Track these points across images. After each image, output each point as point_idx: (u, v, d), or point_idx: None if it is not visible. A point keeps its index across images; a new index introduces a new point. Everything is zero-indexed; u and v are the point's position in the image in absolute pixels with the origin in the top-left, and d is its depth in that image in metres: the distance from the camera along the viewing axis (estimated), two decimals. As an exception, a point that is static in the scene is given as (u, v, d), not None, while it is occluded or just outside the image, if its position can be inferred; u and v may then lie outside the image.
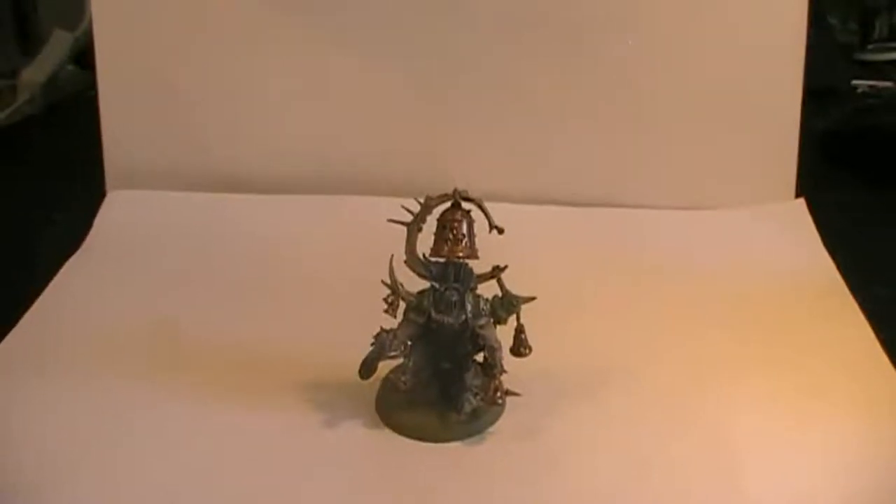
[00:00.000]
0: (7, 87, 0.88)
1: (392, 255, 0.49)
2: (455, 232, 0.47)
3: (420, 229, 0.49)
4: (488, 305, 0.49)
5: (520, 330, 0.50)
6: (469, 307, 0.49)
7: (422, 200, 0.49)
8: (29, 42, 0.93)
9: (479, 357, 0.50)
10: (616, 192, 0.72)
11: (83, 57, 0.87)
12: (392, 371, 0.51)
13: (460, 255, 0.48)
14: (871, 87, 0.89)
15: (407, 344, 0.49)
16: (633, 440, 0.49)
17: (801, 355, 0.55)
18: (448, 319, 0.49)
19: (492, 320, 0.49)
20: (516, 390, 0.50)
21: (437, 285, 0.49)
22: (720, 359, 0.55)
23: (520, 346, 0.50)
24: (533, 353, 0.50)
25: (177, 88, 0.73)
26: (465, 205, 0.48)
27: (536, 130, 0.72)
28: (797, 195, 0.72)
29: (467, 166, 0.70)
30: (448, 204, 0.48)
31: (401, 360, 0.50)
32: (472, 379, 0.50)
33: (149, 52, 0.73)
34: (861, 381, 0.53)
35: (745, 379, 0.54)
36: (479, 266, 0.49)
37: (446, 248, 0.48)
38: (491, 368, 0.49)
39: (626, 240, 0.68)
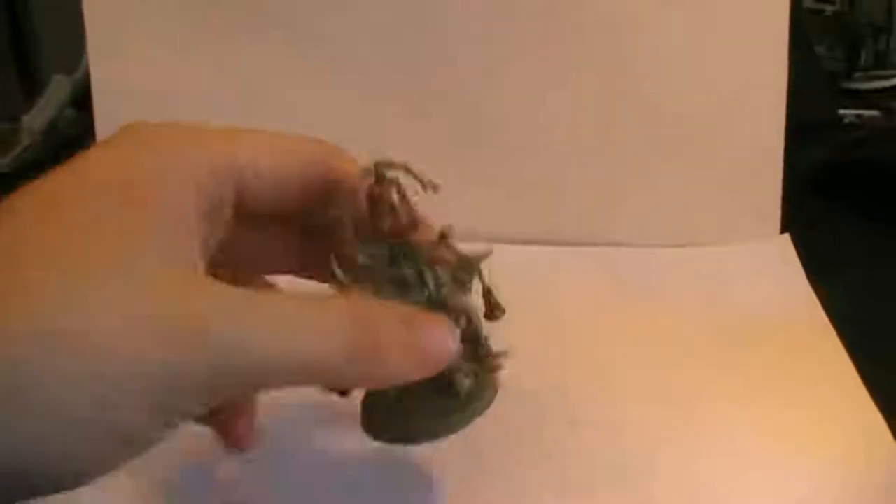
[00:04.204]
0: (10, 131, 0.90)
1: (333, 255, 0.43)
2: (387, 204, 0.44)
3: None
4: (448, 274, 0.45)
5: (488, 291, 0.46)
6: (430, 281, 0.44)
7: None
8: (30, 86, 0.95)
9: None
10: (597, 230, 0.73)
11: (81, 100, 0.89)
12: None
13: (403, 223, 0.44)
14: (857, 116, 0.91)
15: None
16: (612, 474, 0.50)
17: (783, 396, 0.56)
18: (414, 299, 0.44)
19: (458, 288, 0.45)
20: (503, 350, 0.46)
21: (389, 272, 0.44)
22: (700, 397, 0.56)
23: (493, 309, 0.46)
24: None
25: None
26: (391, 174, 0.44)
27: (518, 167, 0.73)
28: (783, 230, 0.73)
29: (449, 207, 0.71)
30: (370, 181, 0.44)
31: None
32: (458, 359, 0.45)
33: (145, 93, 0.75)
34: (843, 423, 0.54)
35: (725, 419, 0.55)
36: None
37: (387, 225, 0.44)
38: (476, 335, 0.45)
39: (609, 278, 0.69)
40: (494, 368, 0.46)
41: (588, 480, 0.50)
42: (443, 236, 0.45)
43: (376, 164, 0.44)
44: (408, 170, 0.44)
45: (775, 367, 0.59)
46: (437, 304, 0.45)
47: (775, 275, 0.69)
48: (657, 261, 0.71)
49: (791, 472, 0.51)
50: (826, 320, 0.64)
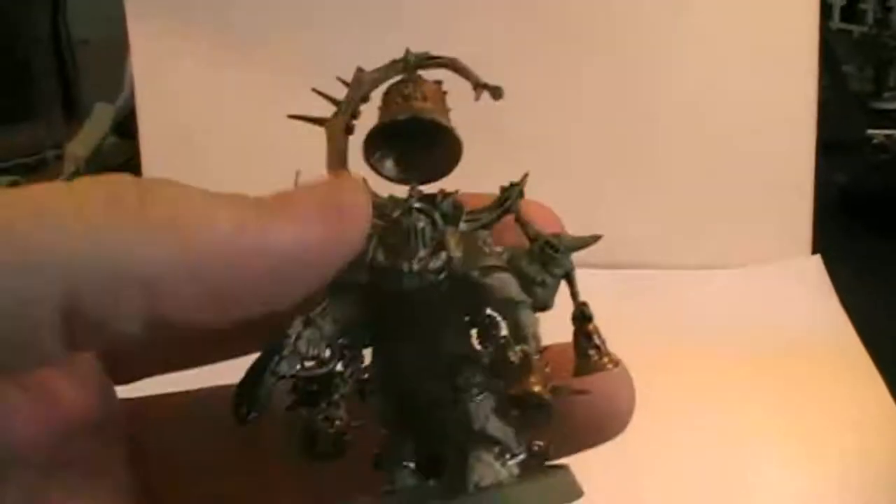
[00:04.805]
0: (55, 158, 0.92)
1: (298, 172, 0.26)
2: (413, 94, 0.26)
3: (350, 130, 0.28)
4: (506, 254, 0.25)
5: (585, 316, 0.26)
6: (451, 245, 0.25)
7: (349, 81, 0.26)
8: (73, 113, 0.98)
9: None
10: (629, 252, 0.73)
11: (122, 127, 0.91)
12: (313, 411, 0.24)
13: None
14: (886, 136, 0.91)
15: (336, 341, 0.24)
16: (647, 496, 0.51)
17: (815, 417, 0.57)
18: (408, 265, 0.24)
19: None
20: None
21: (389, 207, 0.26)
22: (733, 419, 0.57)
23: (588, 350, 0.25)
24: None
25: (214, 152, 0.77)
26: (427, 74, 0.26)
27: (553, 191, 0.74)
28: (814, 251, 0.74)
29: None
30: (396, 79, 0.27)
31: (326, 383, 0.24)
32: (489, 417, 0.24)
33: (189, 121, 0.77)
34: (875, 439, 0.55)
35: (759, 440, 0.55)
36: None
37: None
38: (518, 366, 0.23)
39: (642, 300, 0.70)
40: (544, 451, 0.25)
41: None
42: (507, 194, 0.26)
43: (406, 55, 0.27)
44: (457, 68, 0.27)
45: (809, 385, 0.60)
46: (458, 284, 0.24)
47: (807, 295, 0.69)
48: (690, 282, 0.71)
49: (824, 488, 0.52)
50: (858, 339, 0.64)
